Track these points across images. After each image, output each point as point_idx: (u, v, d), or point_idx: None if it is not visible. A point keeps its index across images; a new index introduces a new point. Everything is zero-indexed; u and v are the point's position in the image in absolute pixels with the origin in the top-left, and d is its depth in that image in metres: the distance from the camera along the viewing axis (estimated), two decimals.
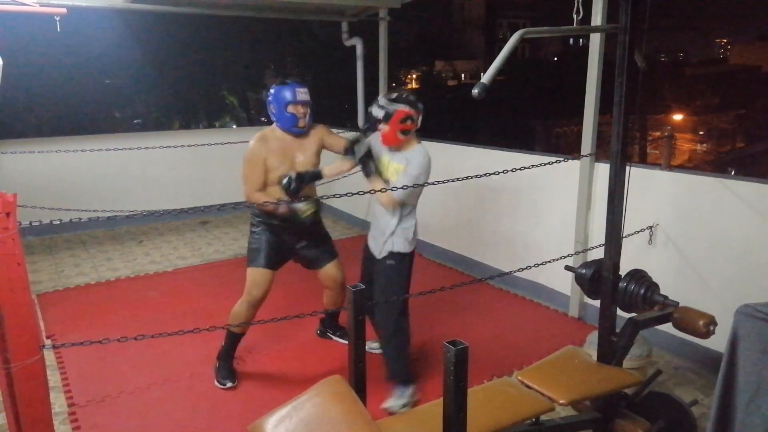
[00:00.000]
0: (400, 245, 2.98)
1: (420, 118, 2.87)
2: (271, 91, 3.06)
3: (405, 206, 3.00)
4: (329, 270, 3.35)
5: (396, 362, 2.99)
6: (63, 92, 13.78)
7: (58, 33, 3.72)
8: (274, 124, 3.12)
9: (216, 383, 3.16)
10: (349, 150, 2.93)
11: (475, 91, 1.90)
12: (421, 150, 2.91)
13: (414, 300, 4.08)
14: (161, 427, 2.80)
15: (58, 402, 2.97)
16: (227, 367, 3.22)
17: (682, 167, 11.98)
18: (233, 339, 3.22)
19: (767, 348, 1.57)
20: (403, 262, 3.02)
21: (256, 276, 3.13)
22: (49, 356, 3.37)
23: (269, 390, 3.11)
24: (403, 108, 2.78)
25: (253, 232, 3.25)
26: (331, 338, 3.71)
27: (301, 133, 3.12)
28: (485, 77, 1.90)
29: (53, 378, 3.18)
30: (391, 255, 2.99)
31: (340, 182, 4.98)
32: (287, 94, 3.02)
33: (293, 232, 3.21)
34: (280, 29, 14.25)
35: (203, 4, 4.97)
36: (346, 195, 2.75)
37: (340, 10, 5.50)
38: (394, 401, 2.92)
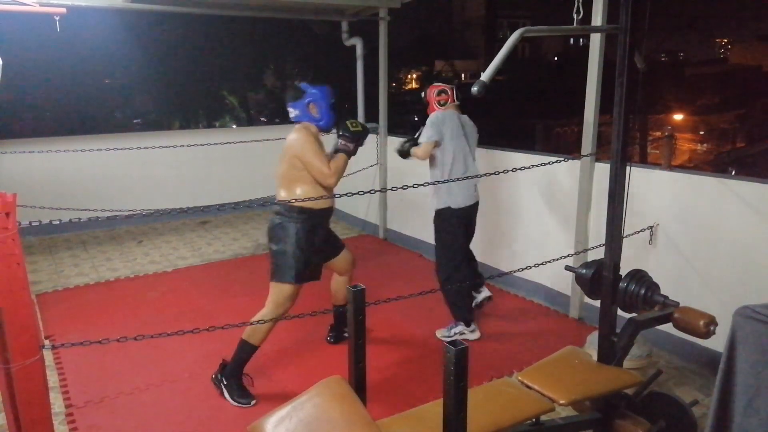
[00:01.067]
0: (435, 203, 3.64)
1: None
2: (313, 91, 3.08)
3: (433, 167, 3.65)
4: (345, 254, 3.43)
5: (448, 303, 3.68)
6: (63, 92, 13.76)
7: (58, 33, 3.72)
8: (306, 122, 3.11)
9: (234, 402, 2.98)
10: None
11: (474, 89, 1.89)
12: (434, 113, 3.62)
13: (414, 300, 4.08)
14: (159, 428, 2.80)
15: (56, 403, 2.97)
16: (241, 383, 3.04)
17: (682, 167, 11.98)
18: (251, 352, 3.05)
19: (766, 350, 1.56)
20: (440, 219, 3.66)
21: (292, 293, 3.05)
22: (48, 356, 3.36)
23: (269, 390, 3.11)
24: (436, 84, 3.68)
25: (284, 241, 3.03)
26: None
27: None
28: (485, 75, 1.89)
29: (51, 378, 3.18)
30: (436, 212, 3.67)
31: (340, 183, 4.93)
32: (331, 96, 3.14)
33: (324, 229, 3.22)
34: (280, 29, 14.24)
35: (203, 4, 4.97)
36: (346, 195, 2.75)
37: (340, 10, 5.50)
38: (440, 331, 3.73)
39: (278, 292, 3.04)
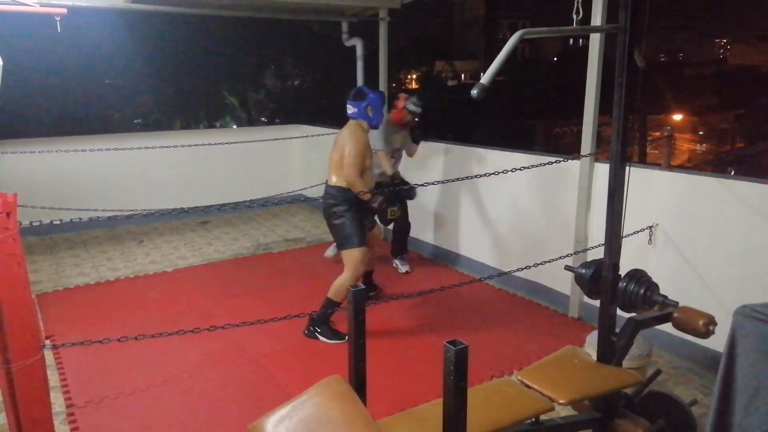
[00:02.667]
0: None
1: None
2: (372, 95, 3.68)
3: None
4: (376, 230, 4.04)
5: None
6: (63, 92, 13.77)
7: (59, 33, 3.72)
8: (360, 121, 3.68)
9: (329, 341, 3.64)
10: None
11: (474, 92, 1.89)
12: None
13: (414, 300, 4.09)
14: (160, 428, 2.80)
15: (57, 402, 2.97)
16: (331, 327, 3.69)
17: (681, 167, 11.97)
18: (335, 306, 3.66)
19: (766, 349, 1.56)
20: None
21: (361, 254, 3.63)
22: (48, 356, 3.37)
23: (269, 390, 3.11)
24: None
25: (341, 216, 3.65)
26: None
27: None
28: (484, 78, 1.89)
29: (52, 378, 3.18)
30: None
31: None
32: (384, 101, 3.83)
33: (366, 211, 3.82)
34: (281, 29, 14.24)
35: (203, 4, 4.97)
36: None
37: (340, 10, 5.50)
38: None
39: (355, 256, 3.63)
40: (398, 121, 4.47)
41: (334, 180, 3.65)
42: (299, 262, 5.26)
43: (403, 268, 4.91)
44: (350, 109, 3.70)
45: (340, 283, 3.63)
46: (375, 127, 3.76)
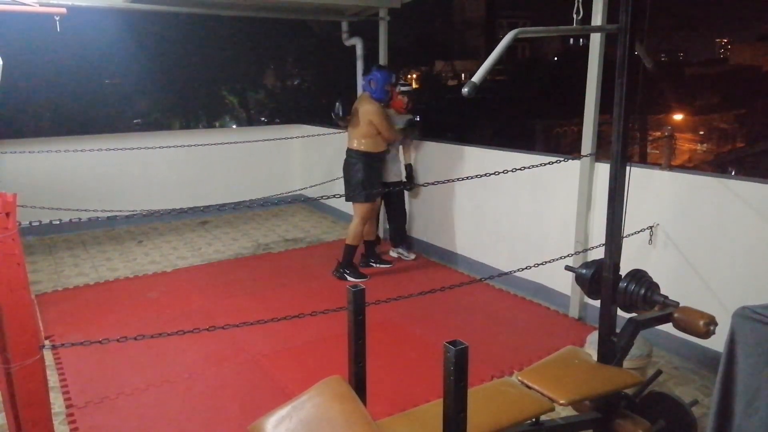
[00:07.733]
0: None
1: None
2: (374, 71, 4.57)
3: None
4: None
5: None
6: (63, 92, 13.78)
7: (58, 33, 3.72)
8: (366, 93, 4.61)
9: (356, 280, 4.57)
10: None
11: (465, 90, 1.88)
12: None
13: (414, 300, 4.08)
14: (160, 429, 2.79)
15: (56, 403, 2.97)
16: (356, 268, 4.71)
17: (682, 167, 11.95)
18: (354, 249, 4.67)
19: (765, 350, 1.56)
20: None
21: (365, 209, 4.66)
22: (48, 357, 3.36)
23: (269, 390, 3.11)
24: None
25: (357, 172, 4.57)
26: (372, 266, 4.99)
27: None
28: (476, 76, 1.87)
29: (51, 378, 3.17)
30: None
31: (340, 182, 4.99)
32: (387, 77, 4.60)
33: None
34: (280, 29, 14.24)
35: (203, 4, 4.97)
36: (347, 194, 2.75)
37: (340, 10, 5.50)
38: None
39: (357, 208, 4.59)
40: (398, 107, 4.93)
41: (354, 144, 4.54)
42: (299, 262, 5.26)
43: (410, 256, 5.23)
44: (363, 83, 4.65)
45: (352, 229, 4.59)
46: (378, 98, 4.53)
